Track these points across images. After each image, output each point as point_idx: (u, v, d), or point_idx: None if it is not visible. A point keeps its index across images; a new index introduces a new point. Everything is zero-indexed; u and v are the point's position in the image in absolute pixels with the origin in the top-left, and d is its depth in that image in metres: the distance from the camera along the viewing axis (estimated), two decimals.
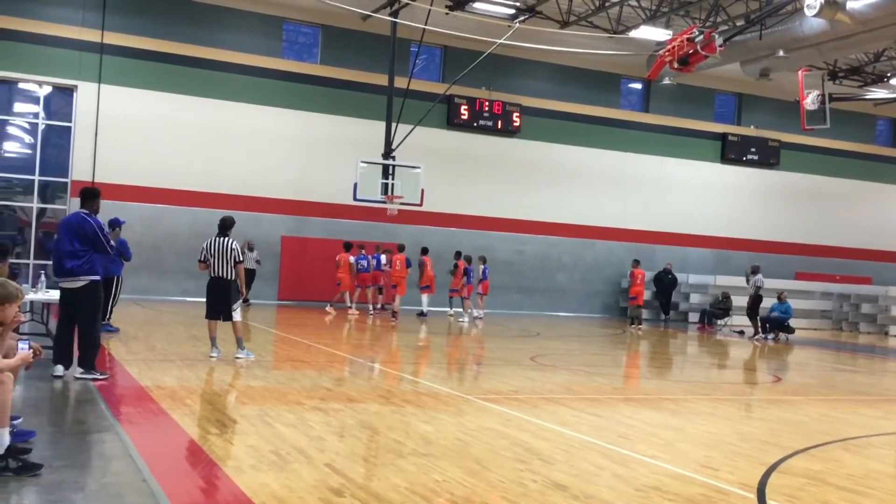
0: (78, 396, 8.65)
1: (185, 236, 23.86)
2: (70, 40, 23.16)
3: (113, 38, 23.57)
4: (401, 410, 8.69)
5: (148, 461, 5.98)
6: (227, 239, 11.56)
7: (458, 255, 23.54)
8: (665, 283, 27.89)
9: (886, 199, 34.46)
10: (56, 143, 24.16)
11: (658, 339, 22.01)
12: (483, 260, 24.04)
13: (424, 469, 6.18)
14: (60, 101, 23.99)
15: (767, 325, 23.30)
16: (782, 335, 23.29)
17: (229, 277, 11.50)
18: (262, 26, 25.54)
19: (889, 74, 29.01)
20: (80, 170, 23.45)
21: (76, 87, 23.53)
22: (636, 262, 24.42)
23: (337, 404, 8.80)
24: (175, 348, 12.85)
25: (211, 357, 11.73)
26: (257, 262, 23.09)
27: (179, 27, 24.31)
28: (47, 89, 23.90)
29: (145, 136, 23.81)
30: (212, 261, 11.52)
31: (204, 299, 11.95)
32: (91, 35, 23.35)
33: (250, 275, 22.45)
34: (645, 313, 29.28)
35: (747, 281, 23.85)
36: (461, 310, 23.30)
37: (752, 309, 23.51)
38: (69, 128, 23.74)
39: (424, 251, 23.35)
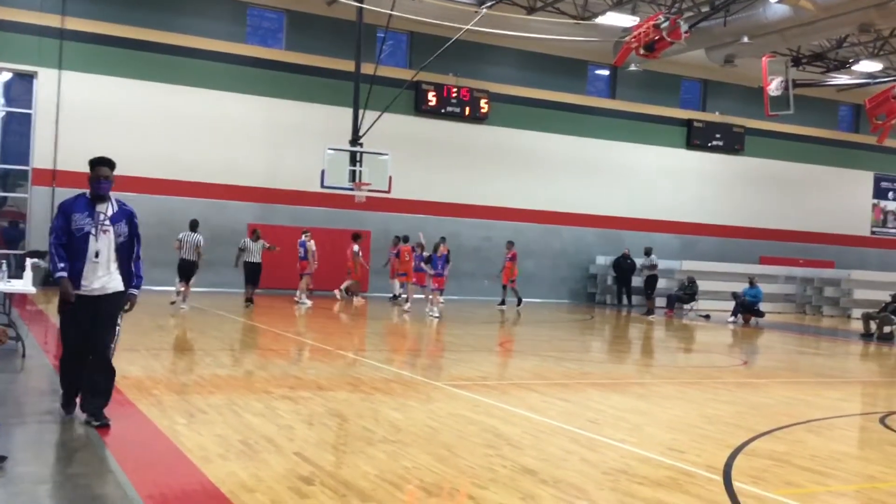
0: (42, 388, 8.53)
1: (150, 224, 23.30)
2: (29, 25, 22.70)
3: (73, 24, 23.14)
4: (370, 398, 8.67)
5: (114, 452, 5.92)
6: (195, 234, 17.60)
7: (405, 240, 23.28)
8: (624, 268, 28.09)
9: (849, 183, 34.94)
10: (16, 131, 23.72)
11: (624, 325, 22.18)
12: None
13: (394, 456, 6.17)
14: (20, 87, 23.54)
15: (737, 308, 23.63)
16: (753, 319, 23.59)
17: (194, 259, 17.57)
18: (225, 11, 25.22)
19: (851, 60, 29.35)
20: (40, 158, 23.05)
21: (36, 73, 23.10)
22: (511, 244, 24.40)
23: (306, 392, 8.77)
24: (140, 338, 12.71)
25: (173, 303, 17.58)
26: (267, 248, 20.17)
27: (141, 12, 23.92)
28: (6, 76, 23.43)
29: (107, 124, 23.44)
30: (185, 248, 17.50)
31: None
32: (51, 20, 22.92)
33: (255, 268, 19.94)
34: (607, 298, 29.59)
35: (644, 265, 25.32)
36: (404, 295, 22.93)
37: (651, 288, 25.14)
38: (29, 115, 23.31)
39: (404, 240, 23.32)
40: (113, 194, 7.13)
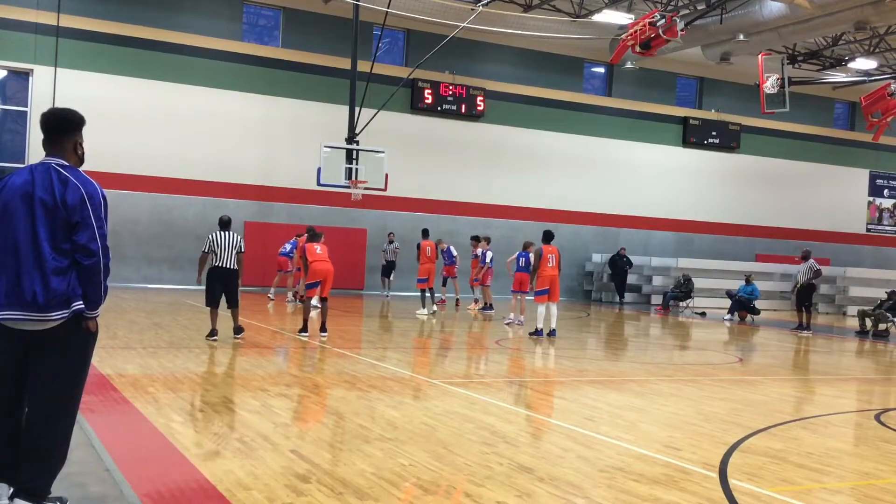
0: None
1: (146, 222, 23.57)
2: (25, 23, 22.65)
3: (69, 21, 23.10)
4: (366, 395, 8.67)
5: (110, 450, 5.91)
6: (231, 233, 12.45)
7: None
8: (620, 266, 28.17)
9: (844, 181, 34.99)
10: (12, 129, 23.67)
11: (620, 322, 22.19)
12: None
13: (391, 454, 6.18)
14: (16, 85, 23.49)
15: (734, 306, 23.68)
16: (749, 316, 23.63)
17: (235, 267, 12.37)
18: (222, 8, 25.18)
19: (847, 58, 29.38)
20: (37, 156, 22.93)
21: (32, 70, 23.05)
22: (426, 233, 22.02)
23: (302, 390, 8.77)
24: (137, 336, 12.71)
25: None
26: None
27: (137, 9, 23.88)
28: (2, 73, 23.38)
29: (104, 121, 23.35)
30: (218, 252, 12.26)
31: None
32: (47, 17, 22.87)
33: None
34: (603, 295, 29.61)
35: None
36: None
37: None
38: (25, 112, 23.27)
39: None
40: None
